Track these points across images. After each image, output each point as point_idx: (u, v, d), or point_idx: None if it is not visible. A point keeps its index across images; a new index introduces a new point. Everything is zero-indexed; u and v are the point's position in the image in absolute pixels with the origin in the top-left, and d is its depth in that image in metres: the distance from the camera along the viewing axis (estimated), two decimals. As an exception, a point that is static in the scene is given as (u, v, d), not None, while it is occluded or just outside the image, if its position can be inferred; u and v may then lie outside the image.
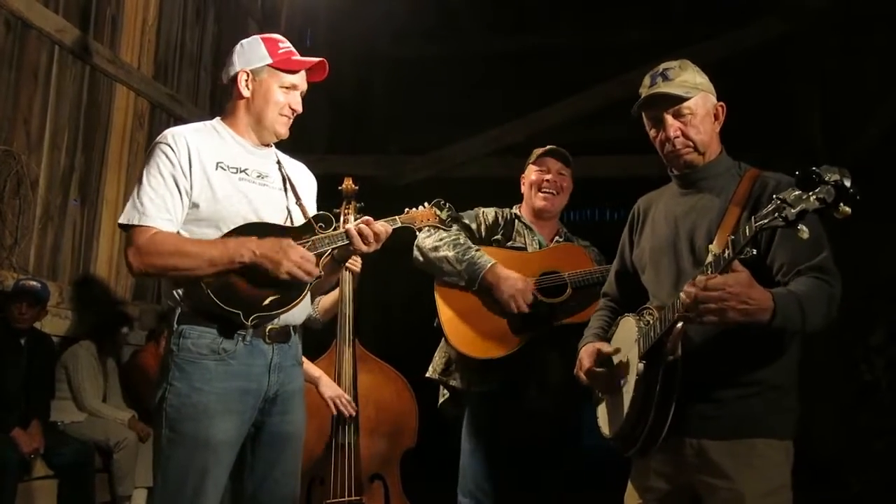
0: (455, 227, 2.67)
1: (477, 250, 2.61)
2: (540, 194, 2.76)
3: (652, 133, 1.91)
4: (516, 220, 2.80)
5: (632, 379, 1.79)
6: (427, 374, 2.77)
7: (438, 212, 2.17)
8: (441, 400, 2.76)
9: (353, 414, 2.74)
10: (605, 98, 6.16)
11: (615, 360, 1.91)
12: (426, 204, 2.17)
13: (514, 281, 2.55)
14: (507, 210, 2.85)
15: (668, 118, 1.83)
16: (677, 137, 1.83)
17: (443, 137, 6.46)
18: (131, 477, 4.06)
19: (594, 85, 6.26)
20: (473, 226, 2.75)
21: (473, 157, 6.42)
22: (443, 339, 2.69)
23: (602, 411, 1.97)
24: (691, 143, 1.84)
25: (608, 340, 1.97)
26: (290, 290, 1.91)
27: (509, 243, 2.73)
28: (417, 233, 2.44)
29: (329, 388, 2.75)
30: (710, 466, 1.71)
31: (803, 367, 1.81)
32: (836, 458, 4.85)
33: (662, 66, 1.89)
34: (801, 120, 6.15)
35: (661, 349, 1.73)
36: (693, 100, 1.83)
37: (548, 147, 2.83)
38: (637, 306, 1.90)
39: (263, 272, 1.86)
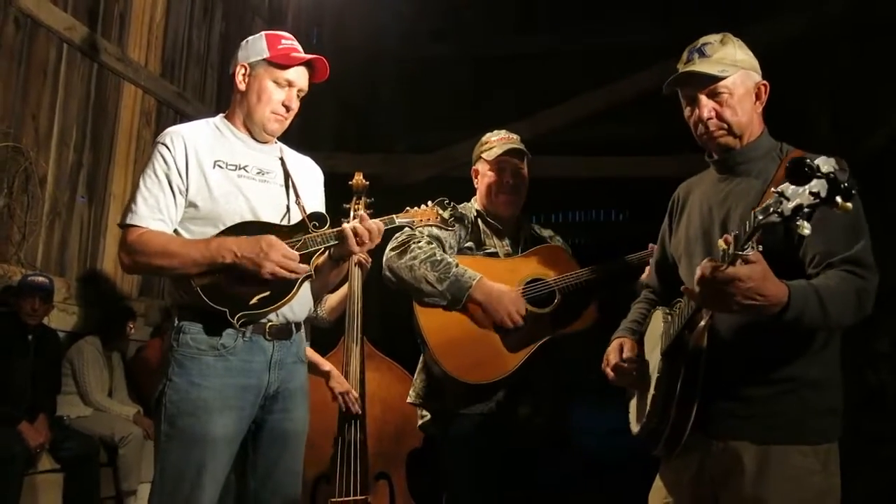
0: (426, 240, 2.45)
1: (457, 265, 2.40)
2: (502, 197, 2.56)
3: (686, 112, 1.77)
4: (479, 220, 2.59)
5: (654, 375, 1.71)
6: (408, 401, 2.56)
7: (441, 211, 2.11)
8: (420, 422, 2.55)
9: (358, 412, 2.75)
10: (612, 98, 6.14)
11: (645, 354, 1.82)
12: (429, 203, 2.12)
13: (505, 295, 2.38)
14: (467, 206, 2.61)
15: (703, 98, 1.70)
16: (710, 119, 1.70)
17: (449, 136, 6.45)
18: (137, 472, 4.08)
19: (601, 85, 6.24)
20: (443, 235, 2.49)
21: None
22: (421, 360, 2.54)
23: (632, 408, 1.87)
24: (725, 126, 1.70)
25: (642, 334, 1.87)
26: (279, 288, 1.90)
27: (481, 249, 2.54)
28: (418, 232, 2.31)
29: (339, 383, 2.77)
30: (737, 472, 1.59)
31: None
32: (840, 464, 4.82)
33: (702, 40, 1.74)
34: (810, 123, 6.12)
35: (684, 344, 1.63)
36: (731, 78, 1.68)
37: (502, 145, 2.56)
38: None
39: (249, 272, 1.85)
